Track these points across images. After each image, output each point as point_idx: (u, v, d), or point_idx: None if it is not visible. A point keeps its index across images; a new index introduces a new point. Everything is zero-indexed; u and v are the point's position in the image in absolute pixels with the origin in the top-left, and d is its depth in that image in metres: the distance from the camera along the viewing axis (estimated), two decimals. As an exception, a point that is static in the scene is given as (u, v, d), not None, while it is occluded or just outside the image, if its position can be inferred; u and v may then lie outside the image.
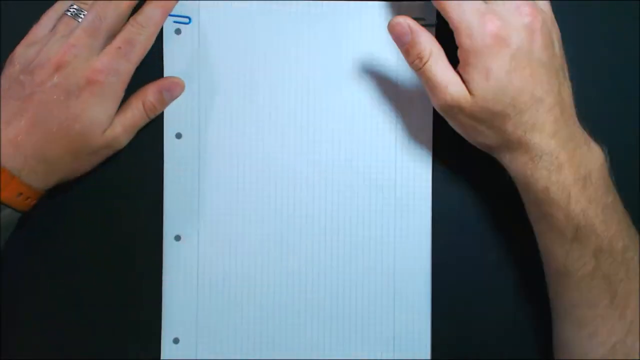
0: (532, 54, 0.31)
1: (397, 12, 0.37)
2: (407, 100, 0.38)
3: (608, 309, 0.32)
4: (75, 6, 0.34)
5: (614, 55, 0.39)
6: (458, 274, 0.39)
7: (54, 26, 0.34)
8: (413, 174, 0.38)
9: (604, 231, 0.31)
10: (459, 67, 0.32)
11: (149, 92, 0.36)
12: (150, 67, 0.37)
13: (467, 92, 0.32)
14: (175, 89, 0.37)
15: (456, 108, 0.32)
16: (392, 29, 0.33)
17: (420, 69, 0.33)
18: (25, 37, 0.34)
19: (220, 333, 0.38)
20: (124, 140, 0.36)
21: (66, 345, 0.38)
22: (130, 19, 0.34)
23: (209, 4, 0.37)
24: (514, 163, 0.32)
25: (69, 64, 0.32)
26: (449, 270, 0.38)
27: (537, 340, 0.38)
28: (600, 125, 0.38)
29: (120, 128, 0.35)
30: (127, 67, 0.34)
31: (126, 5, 0.34)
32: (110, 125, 0.34)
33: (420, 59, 0.32)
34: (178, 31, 0.37)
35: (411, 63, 0.33)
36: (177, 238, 0.38)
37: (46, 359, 0.38)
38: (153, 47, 0.35)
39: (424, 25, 0.36)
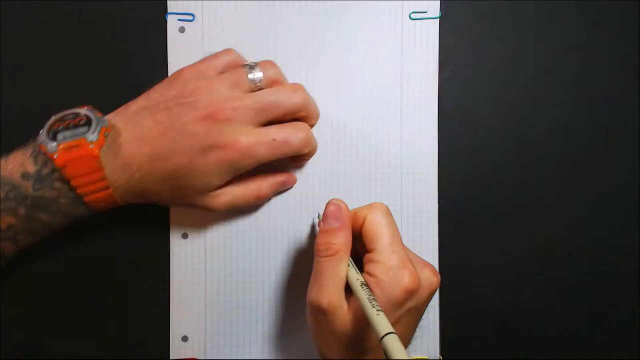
0: (418, 312, 0.32)
1: (400, 7, 0.37)
2: (412, 94, 0.38)
3: None
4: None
5: (614, 55, 0.38)
6: (466, 271, 0.38)
7: (224, 67, 0.34)
8: (419, 169, 0.38)
9: None
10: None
11: (267, 185, 0.36)
12: (154, 65, 0.37)
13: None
14: (290, 185, 0.37)
15: (319, 314, 0.31)
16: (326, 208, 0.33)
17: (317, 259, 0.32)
18: (196, 64, 0.34)
19: (229, 331, 0.38)
20: (223, 209, 0.34)
21: (75, 344, 0.38)
22: (300, 122, 0.34)
23: (213, 2, 0.37)
24: None
25: (219, 122, 0.31)
26: (457, 268, 0.38)
27: (546, 339, 0.38)
28: (600, 126, 0.38)
29: (228, 198, 0.34)
30: (267, 158, 0.33)
31: (304, 105, 0.34)
32: (220, 192, 0.34)
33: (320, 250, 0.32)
34: (182, 29, 0.37)
35: (316, 249, 0.32)
36: (185, 236, 0.38)
37: (55, 357, 0.38)
38: (157, 45, 0.35)
39: (427, 19, 0.36)
